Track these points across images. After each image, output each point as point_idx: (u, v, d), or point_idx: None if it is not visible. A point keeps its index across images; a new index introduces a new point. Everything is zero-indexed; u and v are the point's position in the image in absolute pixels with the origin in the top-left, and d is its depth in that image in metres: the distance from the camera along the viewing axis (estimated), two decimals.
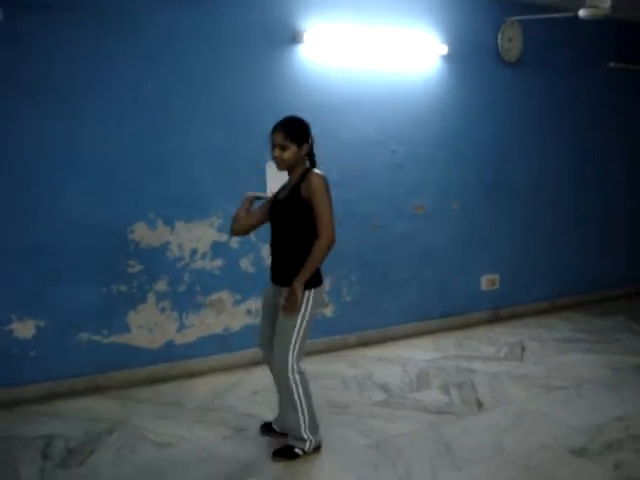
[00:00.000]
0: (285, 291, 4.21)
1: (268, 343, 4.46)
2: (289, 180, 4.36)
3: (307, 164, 4.32)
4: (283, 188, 4.42)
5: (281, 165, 4.24)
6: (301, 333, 4.21)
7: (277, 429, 4.70)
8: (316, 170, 4.21)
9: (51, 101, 5.19)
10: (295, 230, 4.20)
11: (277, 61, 6.07)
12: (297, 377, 4.23)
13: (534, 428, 4.83)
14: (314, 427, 4.41)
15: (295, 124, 4.23)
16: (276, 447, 4.45)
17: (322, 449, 4.46)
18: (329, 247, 4.12)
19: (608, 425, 4.87)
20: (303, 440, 4.37)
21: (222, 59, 5.82)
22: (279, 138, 4.17)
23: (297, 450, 4.36)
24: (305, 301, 4.19)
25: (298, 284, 4.10)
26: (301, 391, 4.26)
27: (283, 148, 4.17)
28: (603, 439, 4.63)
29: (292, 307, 4.12)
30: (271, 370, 4.48)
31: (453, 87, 7.19)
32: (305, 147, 4.24)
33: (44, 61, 5.14)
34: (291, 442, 4.40)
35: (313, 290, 4.22)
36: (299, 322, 4.19)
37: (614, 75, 8.61)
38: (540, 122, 7.99)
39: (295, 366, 4.21)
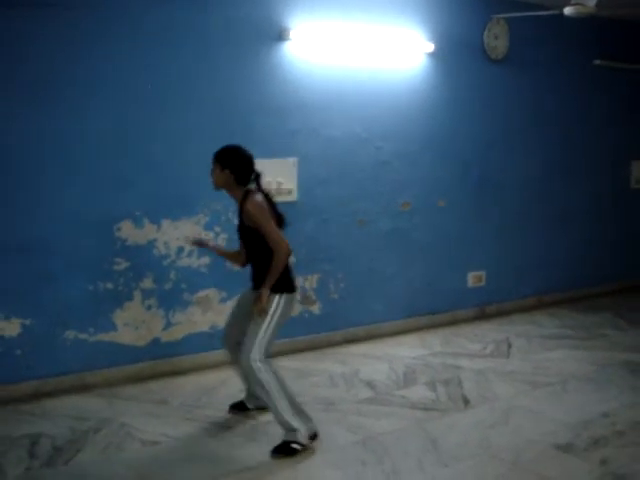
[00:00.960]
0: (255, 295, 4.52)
1: (233, 343, 4.80)
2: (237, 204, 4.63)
3: (245, 188, 4.58)
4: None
5: (213, 184, 4.64)
6: (268, 332, 4.42)
7: (250, 406, 5.06)
8: (252, 196, 4.47)
9: (41, 99, 5.16)
10: (256, 247, 4.51)
11: (264, 58, 6.06)
12: (260, 365, 4.36)
13: (520, 424, 4.86)
14: (298, 412, 4.47)
15: (225, 150, 4.60)
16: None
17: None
18: (286, 258, 4.43)
19: (594, 421, 4.90)
20: (293, 430, 4.38)
21: (210, 56, 5.80)
22: (212, 160, 4.61)
23: (294, 445, 4.37)
24: (275, 304, 4.44)
25: (264, 290, 4.39)
26: (271, 379, 4.37)
27: (213, 170, 4.59)
28: (589, 435, 4.65)
29: (258, 309, 4.40)
30: (238, 371, 4.91)
31: (439, 85, 7.20)
32: (226, 172, 4.51)
33: (34, 59, 5.11)
34: (285, 437, 4.42)
35: (284, 295, 4.49)
36: (267, 321, 4.41)
37: (599, 72, 8.64)
38: (526, 119, 8.02)
39: (259, 356, 4.36)
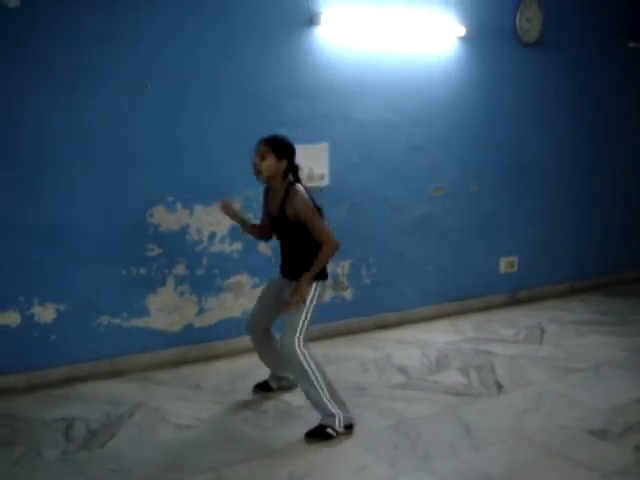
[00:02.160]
0: (292, 285, 4.53)
1: (261, 330, 4.96)
2: (272, 192, 4.65)
3: (290, 178, 4.57)
4: (270, 199, 4.73)
5: (257, 173, 4.50)
6: (307, 321, 4.46)
7: (274, 386, 5.19)
8: (297, 187, 4.47)
9: (71, 84, 5.20)
10: (294, 240, 4.54)
11: (294, 43, 6.05)
12: (304, 350, 4.40)
13: (553, 410, 4.84)
14: (337, 400, 4.48)
15: (280, 140, 4.53)
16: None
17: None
18: (334, 252, 4.45)
19: (628, 407, 4.86)
20: (332, 415, 4.41)
21: (240, 42, 5.80)
22: (262, 148, 4.46)
23: (329, 431, 4.40)
24: (312, 291, 4.47)
25: (306, 280, 4.41)
26: (312, 364, 4.41)
27: (263, 157, 4.44)
28: (623, 421, 4.62)
29: (297, 299, 4.41)
30: (263, 358, 5.09)
31: (471, 69, 7.15)
32: (283, 162, 4.48)
33: (49, 43, 5.14)
34: (322, 421, 4.45)
35: (320, 282, 4.52)
36: (305, 309, 4.45)
37: (634, 55, 8.53)
38: (559, 104, 7.94)
39: (302, 342, 4.41)
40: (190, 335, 5.89)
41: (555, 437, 4.39)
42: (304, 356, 4.38)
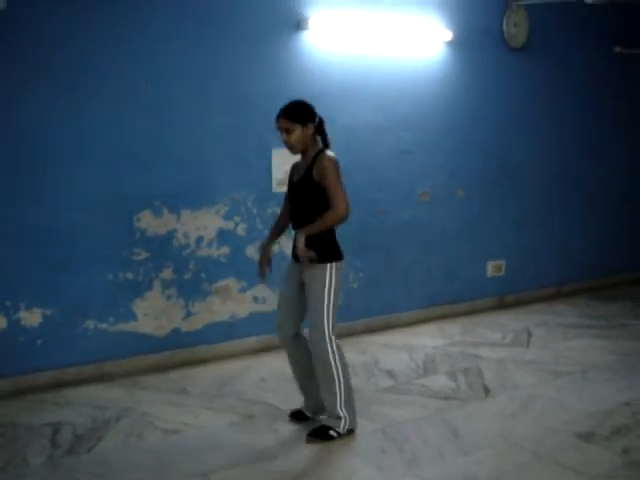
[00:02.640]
0: (308, 269, 4.29)
1: (292, 336, 4.56)
2: (303, 160, 4.43)
3: (320, 144, 4.39)
4: (296, 168, 4.51)
5: (291, 149, 4.35)
6: (331, 306, 4.29)
7: (309, 414, 4.72)
8: (328, 152, 4.28)
9: (58, 86, 5.18)
10: (311, 210, 4.29)
11: (282, 48, 6.06)
12: (335, 347, 4.31)
13: (541, 413, 4.84)
14: (350, 405, 4.44)
15: (296, 106, 4.32)
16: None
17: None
18: (340, 218, 4.22)
19: (615, 410, 4.87)
20: (338, 418, 4.39)
21: (228, 45, 5.80)
22: (283, 123, 4.27)
23: (332, 432, 4.38)
24: (329, 275, 4.27)
25: (301, 234, 4.18)
26: (339, 363, 4.32)
27: (288, 131, 4.26)
28: (611, 424, 4.63)
29: (303, 254, 4.15)
30: (289, 353, 4.62)
31: (458, 73, 7.17)
32: (310, 126, 4.30)
33: (48, 43, 5.13)
34: (326, 422, 4.45)
35: (334, 264, 4.31)
36: (327, 297, 4.27)
37: (620, 60, 8.57)
38: (545, 108, 7.97)
39: (332, 336, 4.30)
40: (177, 339, 5.87)
41: (543, 441, 4.39)
42: (334, 356, 4.30)
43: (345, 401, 4.39)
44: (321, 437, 4.38)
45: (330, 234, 4.35)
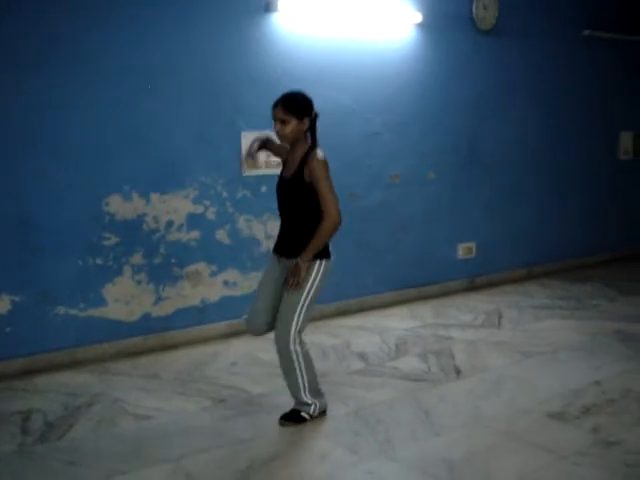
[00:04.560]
0: (290, 264, 4.27)
1: (265, 330, 4.48)
2: (292, 155, 4.35)
3: (309, 141, 4.31)
4: (285, 164, 4.46)
5: (282, 139, 4.28)
6: (306, 304, 4.25)
7: None
8: (318, 152, 4.20)
9: (25, 74, 5.12)
10: (301, 209, 4.28)
11: (251, 30, 6.02)
12: (298, 348, 4.25)
13: (512, 394, 4.87)
14: (315, 391, 4.43)
15: (295, 98, 4.23)
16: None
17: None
18: (334, 229, 4.20)
19: (585, 389, 4.91)
20: (307, 404, 4.40)
21: (196, 29, 5.76)
22: (279, 113, 4.17)
23: (304, 414, 4.40)
24: (315, 272, 4.26)
25: (302, 263, 4.16)
26: (301, 359, 4.28)
27: (284, 122, 4.17)
28: (581, 403, 4.67)
29: (296, 282, 4.16)
30: (256, 335, 4.57)
31: (428, 55, 7.16)
32: (306, 121, 4.23)
33: (13, 34, 5.06)
34: (297, 407, 4.44)
35: (324, 262, 4.30)
36: (305, 293, 4.23)
37: (589, 43, 8.61)
38: (516, 89, 8.00)
39: (297, 338, 4.24)
40: (148, 324, 5.84)
41: (514, 421, 4.42)
42: (296, 355, 4.24)
43: (310, 389, 4.38)
44: (294, 420, 4.40)
45: None
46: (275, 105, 4.20)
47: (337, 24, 6.47)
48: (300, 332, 4.27)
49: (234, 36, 5.95)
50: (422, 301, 7.34)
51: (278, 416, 4.44)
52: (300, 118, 4.19)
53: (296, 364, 4.27)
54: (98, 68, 5.38)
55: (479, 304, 7.23)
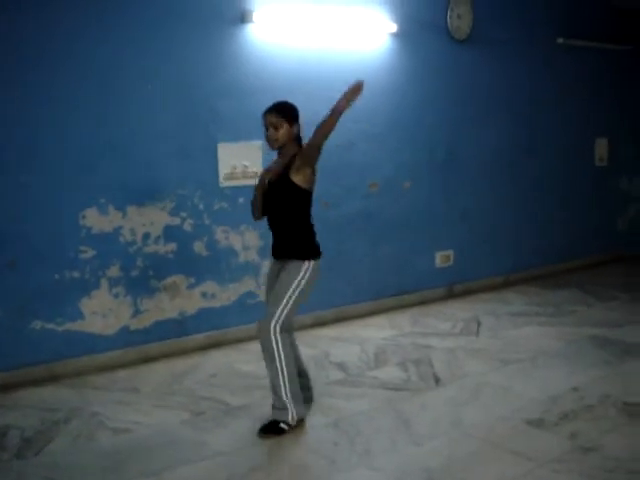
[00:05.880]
0: (286, 264, 4.49)
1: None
2: (277, 162, 4.62)
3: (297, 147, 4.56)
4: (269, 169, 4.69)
5: (274, 144, 4.52)
6: (292, 300, 4.41)
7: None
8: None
9: (1, 86, 5.12)
10: (288, 211, 4.50)
11: (227, 42, 6.02)
12: (278, 337, 4.37)
13: (491, 401, 4.88)
14: (296, 395, 4.49)
15: (286, 105, 4.58)
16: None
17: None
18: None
19: (563, 396, 4.93)
20: (285, 409, 4.42)
21: (172, 40, 5.76)
22: (272, 118, 4.47)
23: (282, 425, 4.42)
24: (303, 271, 4.45)
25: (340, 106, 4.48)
26: (282, 353, 4.38)
27: (276, 127, 4.46)
28: (559, 410, 4.69)
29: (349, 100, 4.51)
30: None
31: (404, 65, 7.19)
32: (295, 126, 4.54)
33: None
34: (274, 415, 4.47)
35: (312, 262, 4.50)
36: (292, 290, 4.41)
37: (563, 51, 8.68)
38: (491, 99, 8.03)
39: (278, 328, 4.37)
40: (126, 338, 5.81)
41: (494, 428, 4.43)
42: (277, 343, 4.36)
43: (290, 390, 4.43)
44: (273, 432, 4.40)
45: (309, 234, 4.58)
46: (267, 112, 4.50)
47: (312, 35, 6.48)
48: (282, 328, 4.39)
49: (210, 47, 5.95)
50: (400, 310, 7.34)
51: (258, 428, 4.44)
52: (290, 124, 4.49)
53: (276, 357, 4.37)
54: (72, 81, 5.36)
55: (457, 312, 7.24)
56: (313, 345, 6.20)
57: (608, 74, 9.43)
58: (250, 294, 6.38)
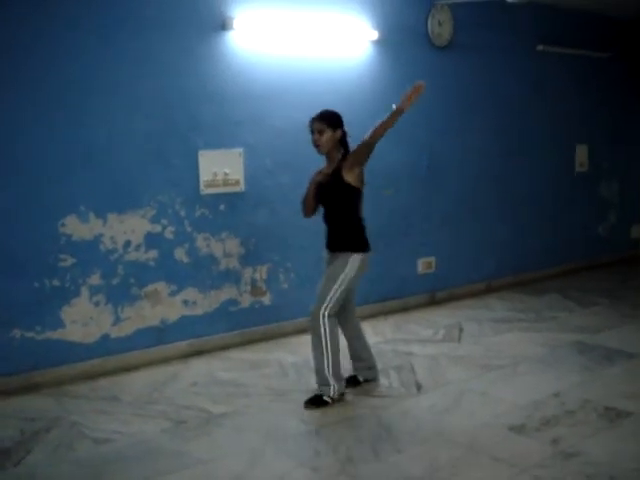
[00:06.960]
0: (336, 257, 5.05)
1: (343, 323, 5.30)
2: (328, 166, 5.11)
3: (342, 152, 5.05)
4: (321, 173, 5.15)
5: (320, 148, 5.01)
6: (340, 290, 4.94)
7: (361, 379, 5.37)
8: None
9: None
10: (340, 208, 5.06)
11: (207, 49, 6.00)
12: (327, 321, 4.89)
13: (473, 408, 4.89)
14: (337, 374, 4.98)
15: (329, 113, 5.05)
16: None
17: (262, 435, 4.46)
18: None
19: (545, 401, 4.95)
20: (328, 385, 4.93)
21: (151, 46, 5.73)
22: (317, 125, 4.96)
23: (325, 398, 4.92)
24: (351, 262, 4.98)
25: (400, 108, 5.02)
26: (329, 336, 4.89)
27: (320, 133, 4.95)
28: (541, 415, 4.70)
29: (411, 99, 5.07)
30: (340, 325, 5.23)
31: (385, 72, 7.20)
32: (339, 132, 5.01)
33: None
34: (318, 391, 4.97)
35: (360, 254, 5.05)
36: (340, 279, 4.95)
37: (543, 58, 8.73)
38: (472, 104, 8.05)
39: (327, 312, 4.90)
40: (107, 346, 5.77)
41: (476, 434, 4.43)
42: (324, 328, 4.87)
43: (332, 368, 4.91)
44: (317, 404, 4.89)
45: (359, 229, 5.12)
46: (313, 118, 5.00)
47: (294, 42, 6.47)
48: (330, 314, 4.91)
49: (191, 54, 5.93)
50: (382, 317, 7.33)
51: (239, 436, 4.43)
52: (334, 129, 4.98)
53: (323, 339, 4.88)
54: (49, 87, 5.33)
55: (440, 319, 7.24)
56: (294, 352, 6.18)
57: (588, 81, 9.48)
58: (231, 301, 6.36)
